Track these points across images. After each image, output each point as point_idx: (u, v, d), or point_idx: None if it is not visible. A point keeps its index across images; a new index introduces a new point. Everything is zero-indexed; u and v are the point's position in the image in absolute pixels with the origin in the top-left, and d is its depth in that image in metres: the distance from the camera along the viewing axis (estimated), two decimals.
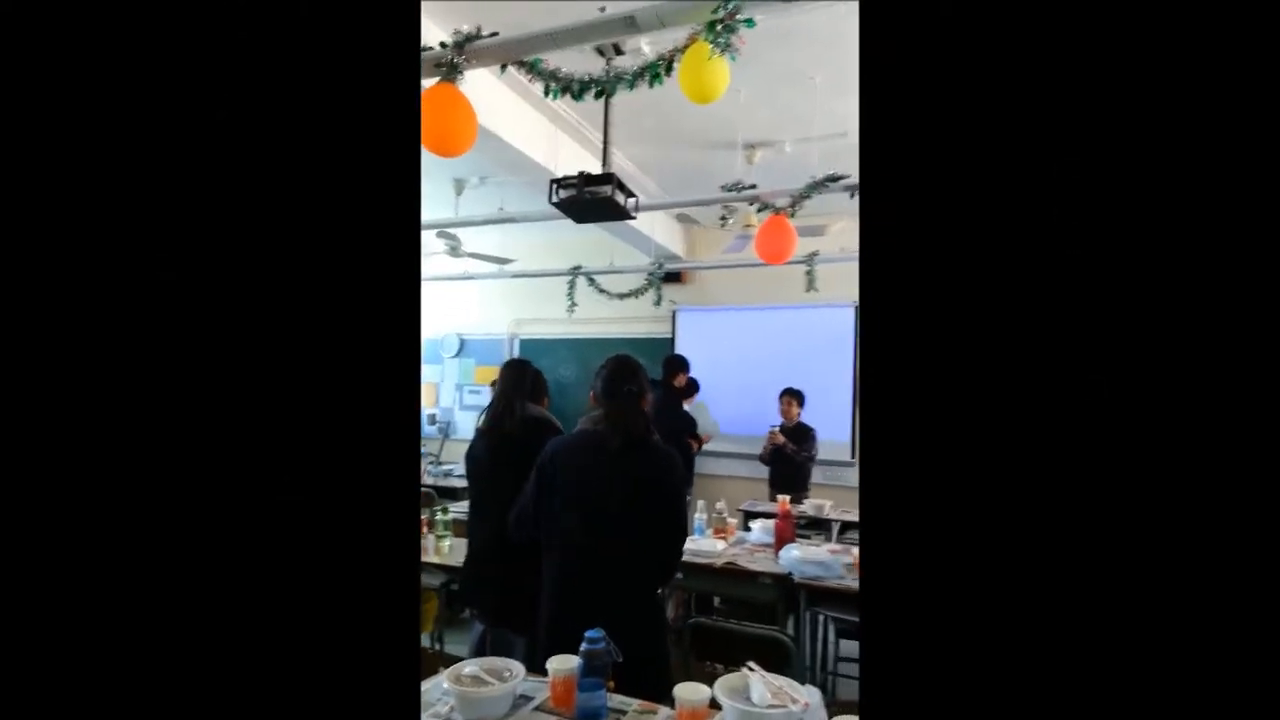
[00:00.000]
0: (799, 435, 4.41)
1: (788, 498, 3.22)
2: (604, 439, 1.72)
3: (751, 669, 1.27)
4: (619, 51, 2.16)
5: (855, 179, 3.14)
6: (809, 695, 1.19)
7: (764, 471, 4.60)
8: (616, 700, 1.40)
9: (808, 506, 3.95)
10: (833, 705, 1.30)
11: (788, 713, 1.15)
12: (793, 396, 4.48)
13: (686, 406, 4.76)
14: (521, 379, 2.23)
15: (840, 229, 4.33)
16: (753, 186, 3.39)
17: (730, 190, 3.27)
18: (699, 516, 3.36)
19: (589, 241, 5.40)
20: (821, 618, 2.82)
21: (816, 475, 4.61)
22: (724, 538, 3.15)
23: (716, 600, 3.18)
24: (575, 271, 5.18)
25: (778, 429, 4.41)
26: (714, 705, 1.26)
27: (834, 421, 5.07)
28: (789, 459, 4.37)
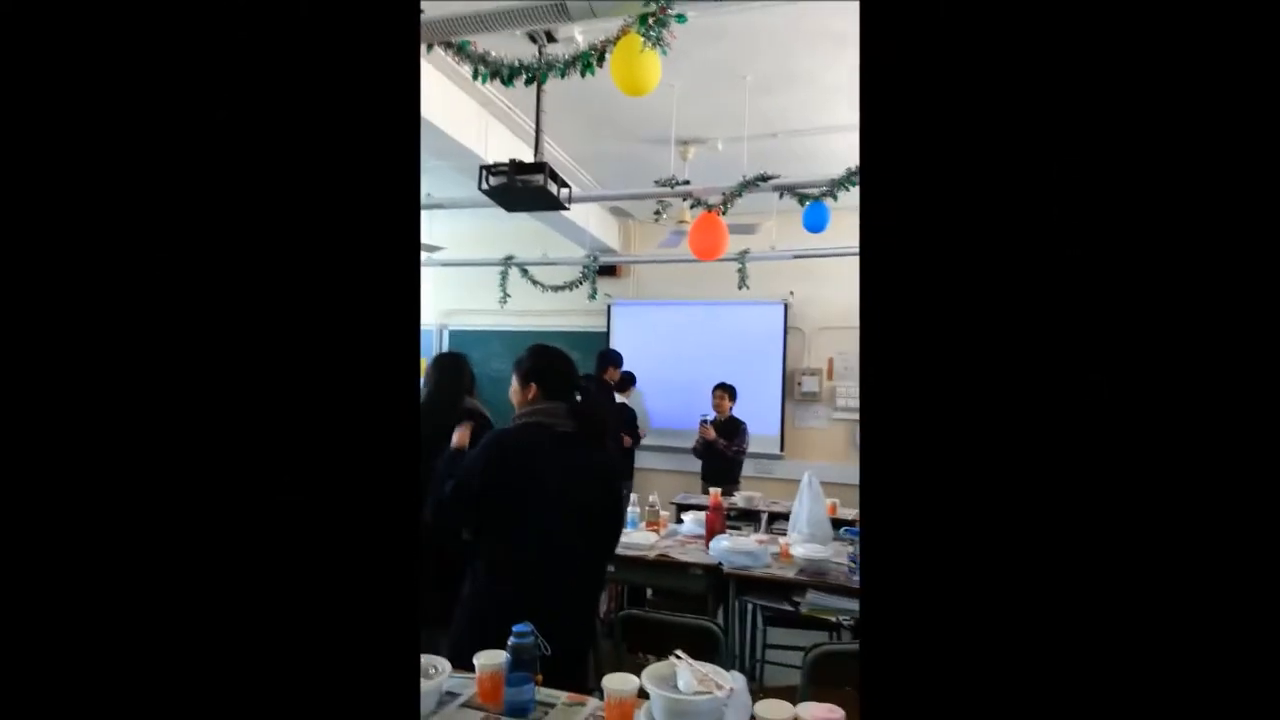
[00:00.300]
0: (730, 429, 4.48)
1: (719, 490, 3.28)
2: (574, 434, 1.68)
3: (679, 657, 1.28)
4: (551, 39, 2.13)
5: (785, 179, 3.21)
6: (734, 681, 1.22)
7: (696, 465, 4.66)
8: (544, 694, 1.39)
9: (739, 499, 4.03)
10: (759, 691, 1.33)
11: (713, 698, 1.17)
12: (725, 391, 4.56)
13: (623, 399, 4.77)
14: (460, 375, 2.22)
15: (770, 227, 4.42)
16: (686, 182, 3.42)
17: (664, 185, 3.29)
18: (632, 510, 3.38)
19: (522, 231, 5.33)
20: (750, 606, 2.88)
21: (748, 468, 4.70)
22: (656, 530, 3.18)
23: (649, 592, 3.20)
24: (508, 262, 5.10)
25: (709, 421, 4.48)
26: (643, 695, 1.27)
27: (764, 416, 5.18)
28: (720, 452, 4.44)
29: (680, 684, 1.21)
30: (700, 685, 1.20)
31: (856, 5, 0.65)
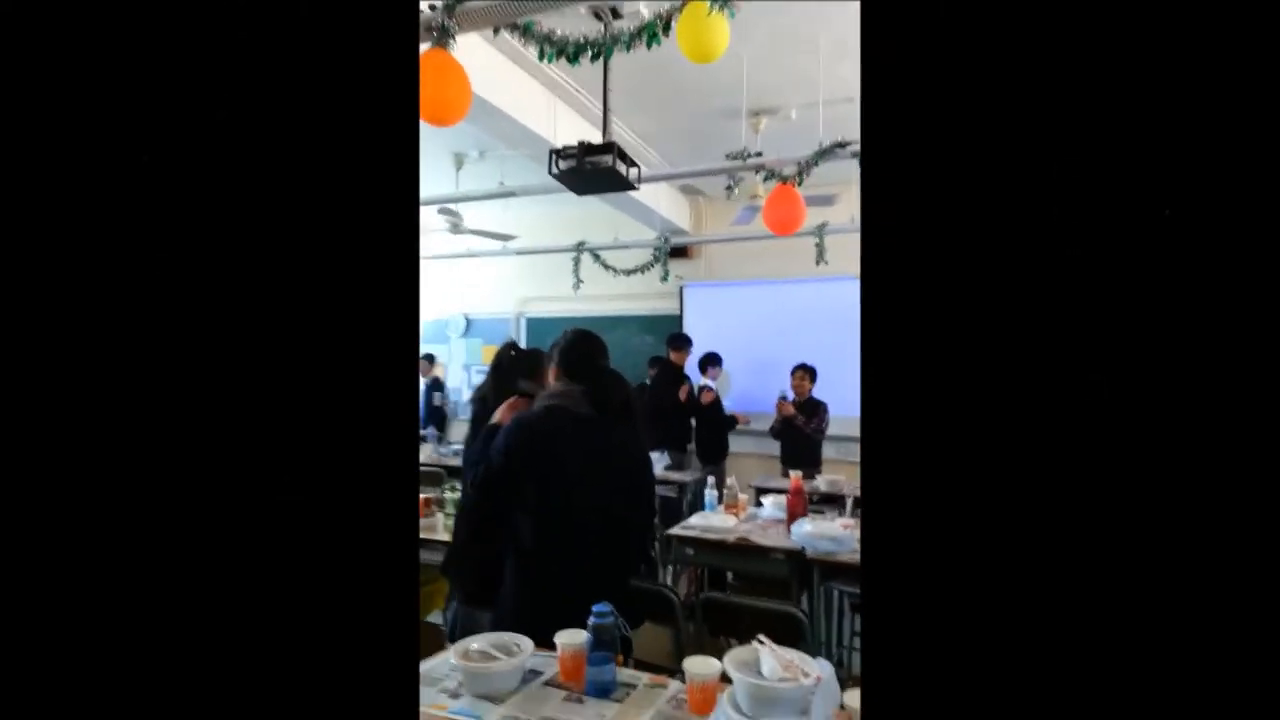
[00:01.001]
0: (810, 409, 4.36)
1: (799, 473, 3.19)
2: (596, 416, 1.69)
3: (762, 642, 1.24)
4: (616, 15, 2.08)
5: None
6: (821, 669, 1.16)
7: (775, 447, 4.57)
8: (626, 674, 1.38)
9: (820, 482, 3.91)
10: (848, 680, 1.27)
11: (799, 685, 1.12)
12: (805, 372, 4.43)
13: (710, 381, 4.74)
14: (505, 371, 2.21)
15: (849, 198, 4.25)
16: (758, 155, 3.32)
17: (735, 159, 3.20)
18: (709, 493, 3.33)
19: (593, 216, 5.33)
20: (836, 593, 2.80)
21: (830, 450, 4.57)
22: (735, 514, 3.13)
23: (730, 576, 3.16)
24: (580, 247, 5.12)
25: (789, 400, 4.37)
26: (725, 679, 1.24)
27: (846, 396, 4.99)
28: (799, 433, 4.33)
29: (764, 669, 1.16)
30: (785, 671, 1.15)
31: None
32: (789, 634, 1.71)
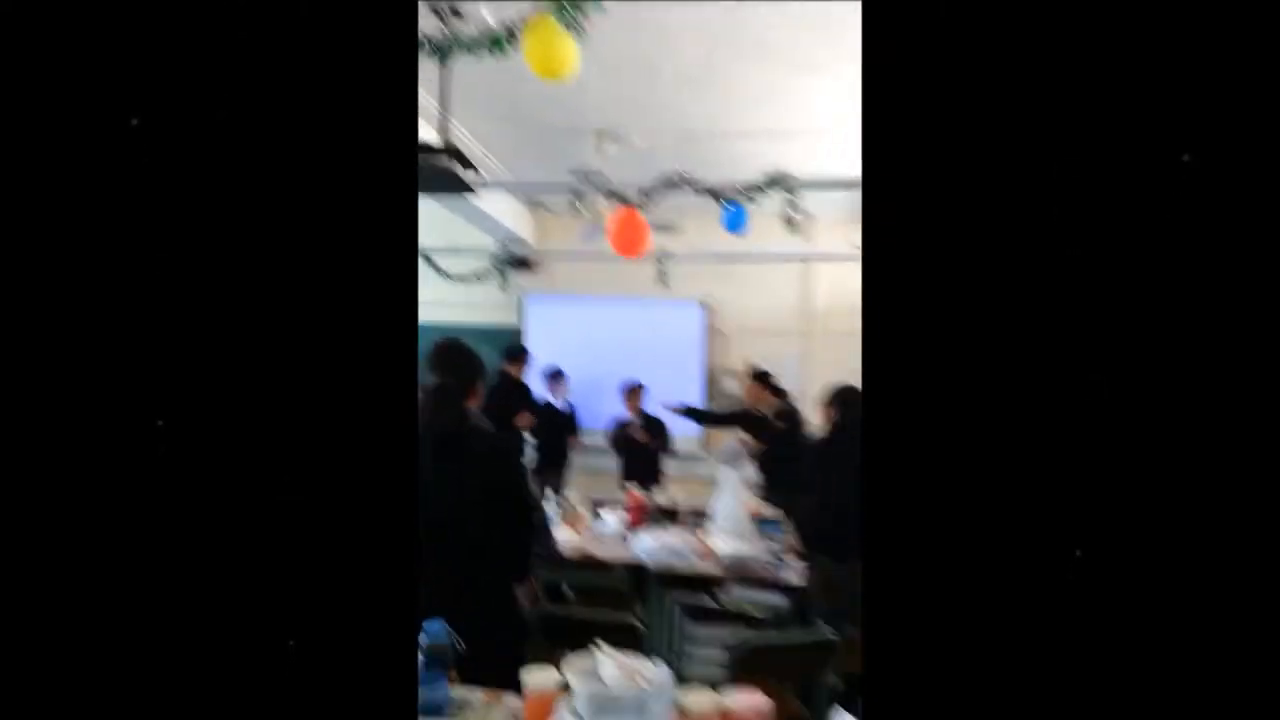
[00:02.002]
0: (654, 427, 4.49)
1: (634, 486, 3.27)
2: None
3: (599, 647, 1.25)
4: (456, 14, 2.03)
5: (705, 181, 3.23)
6: (658, 673, 1.19)
7: (611, 462, 4.64)
8: (460, 692, 1.33)
9: (660, 497, 4.02)
10: (681, 685, 1.31)
11: (638, 689, 1.14)
12: (636, 391, 4.55)
13: (552, 398, 4.69)
14: None
15: (690, 227, 4.46)
16: (601, 174, 3.39)
17: (581, 177, 3.25)
18: (550, 508, 3.31)
19: (430, 219, 5.12)
20: (672, 602, 2.87)
21: (670, 467, 4.70)
22: (575, 528, 3.13)
23: (568, 589, 3.15)
24: None
25: (639, 424, 4.47)
26: (563, 689, 1.23)
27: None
28: (640, 448, 4.43)
29: (604, 675, 1.17)
30: (624, 677, 1.16)
31: (780, 16, 0.67)
32: (627, 643, 1.74)
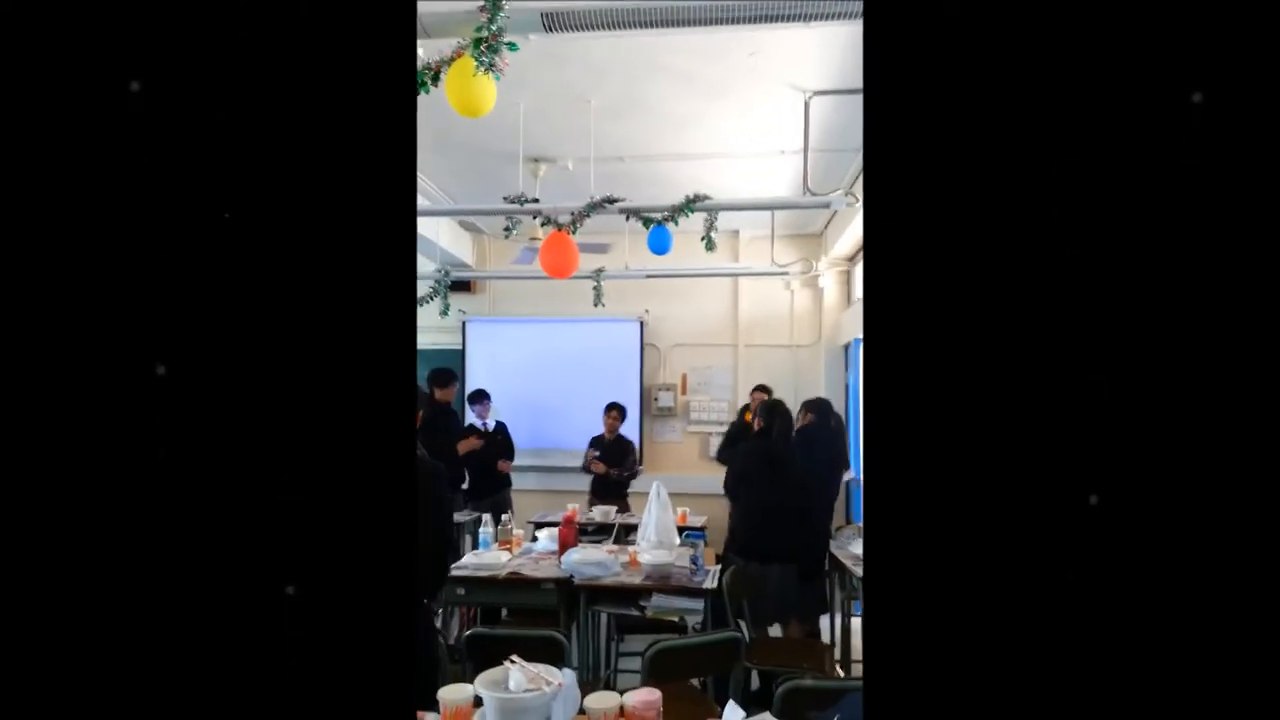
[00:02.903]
0: (620, 451, 4.62)
1: (575, 507, 3.35)
2: None
3: (513, 661, 1.32)
4: None
5: (630, 203, 3.35)
6: (564, 677, 1.27)
7: (566, 482, 4.72)
8: None
9: (596, 513, 4.10)
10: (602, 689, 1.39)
11: (540, 694, 1.21)
12: (616, 410, 4.68)
13: (478, 419, 4.70)
14: None
15: (623, 247, 4.58)
16: (535, 200, 3.47)
17: (513, 202, 3.32)
18: (484, 531, 3.34)
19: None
20: (604, 616, 2.94)
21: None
22: (509, 549, 3.17)
23: (504, 612, 3.18)
24: None
25: (597, 455, 4.56)
26: (480, 703, 1.29)
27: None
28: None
29: (511, 685, 1.25)
30: (530, 684, 1.24)
31: (692, 42, 0.71)
32: (552, 657, 1.80)
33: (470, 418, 4.80)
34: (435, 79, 1.86)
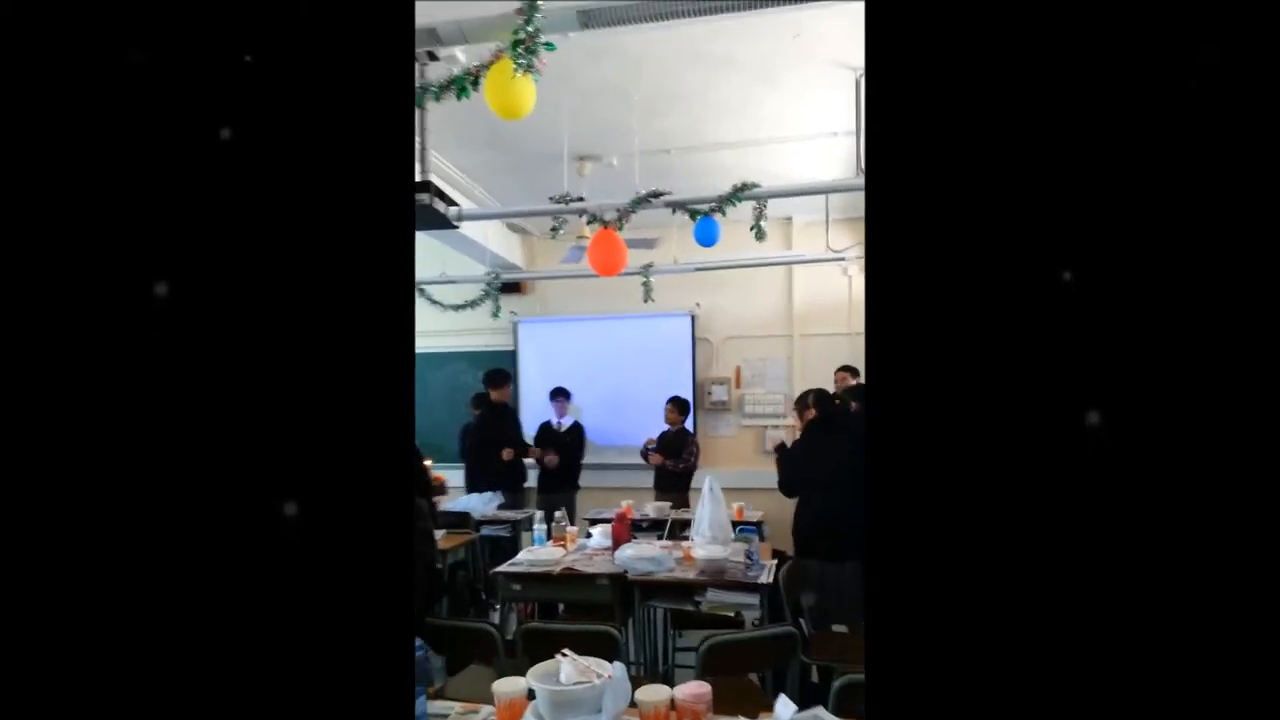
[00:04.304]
0: (678, 442, 4.62)
1: (629, 503, 3.38)
2: None
3: (564, 655, 1.33)
4: (433, 58, 2.16)
5: (676, 195, 3.34)
6: (614, 670, 1.27)
7: (623, 479, 4.76)
8: (438, 706, 1.41)
9: (649, 509, 4.12)
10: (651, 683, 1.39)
11: (591, 686, 1.22)
12: (675, 404, 4.69)
13: (557, 416, 4.78)
14: None
15: (671, 241, 4.56)
16: (580, 199, 3.49)
17: (559, 202, 3.35)
18: (539, 528, 3.40)
19: (419, 250, 5.23)
20: (659, 611, 2.95)
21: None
22: (564, 545, 3.21)
23: (561, 607, 3.22)
24: None
25: (654, 441, 4.57)
26: (533, 695, 1.31)
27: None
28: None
29: (562, 677, 1.26)
30: (580, 676, 1.25)
31: (733, 27, 0.70)
32: (605, 651, 1.81)
33: (541, 416, 4.86)
34: (475, 83, 1.89)
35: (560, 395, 4.87)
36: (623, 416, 5.30)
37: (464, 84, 1.88)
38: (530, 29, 1.69)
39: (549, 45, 1.74)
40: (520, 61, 1.72)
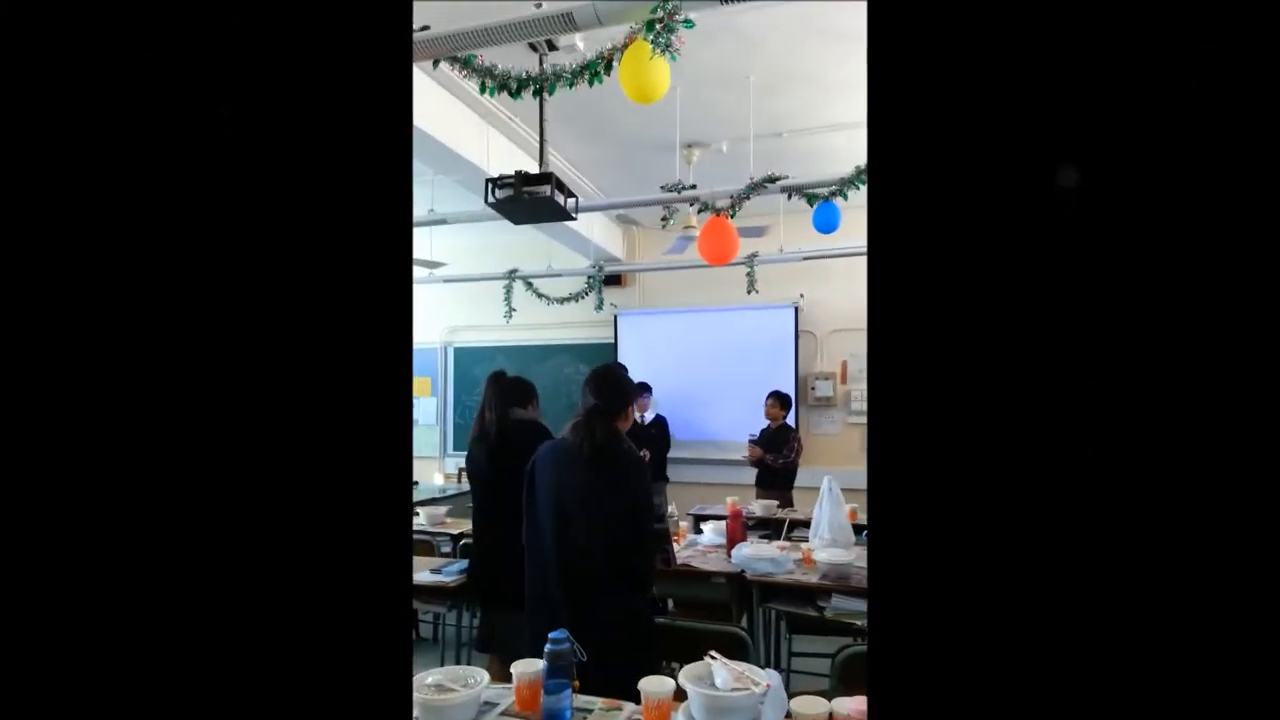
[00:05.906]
0: (780, 438, 4.47)
1: (735, 500, 3.29)
2: (572, 446, 1.78)
3: (714, 657, 1.27)
4: (552, 47, 2.14)
5: (793, 180, 3.22)
6: (770, 678, 1.20)
7: (722, 475, 4.67)
8: (581, 700, 1.39)
9: (756, 507, 4.01)
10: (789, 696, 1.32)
11: (750, 694, 1.16)
12: (776, 399, 4.54)
13: (641, 415, 4.77)
14: (503, 389, 2.43)
15: (778, 229, 4.43)
16: (692, 187, 3.43)
17: (670, 190, 3.30)
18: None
19: (524, 244, 5.33)
20: (773, 613, 2.86)
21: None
22: (676, 540, 3.16)
23: (669, 603, 3.19)
24: (512, 275, 5.10)
25: (755, 437, 4.45)
26: (678, 699, 1.26)
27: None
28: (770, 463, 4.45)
29: (718, 681, 1.20)
30: (737, 682, 1.18)
31: (860, 2, 0.67)
32: (734, 653, 1.75)
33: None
34: (608, 68, 1.85)
35: (641, 390, 4.83)
36: (721, 411, 5.21)
37: (597, 68, 1.84)
38: (669, 6, 1.63)
39: (687, 23, 1.68)
40: (658, 41, 1.66)
